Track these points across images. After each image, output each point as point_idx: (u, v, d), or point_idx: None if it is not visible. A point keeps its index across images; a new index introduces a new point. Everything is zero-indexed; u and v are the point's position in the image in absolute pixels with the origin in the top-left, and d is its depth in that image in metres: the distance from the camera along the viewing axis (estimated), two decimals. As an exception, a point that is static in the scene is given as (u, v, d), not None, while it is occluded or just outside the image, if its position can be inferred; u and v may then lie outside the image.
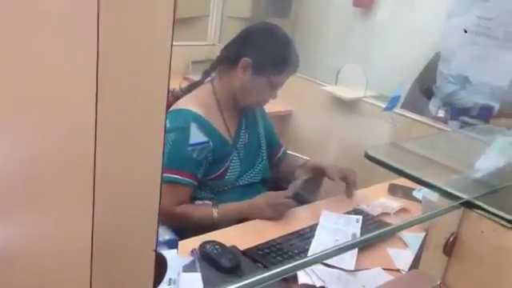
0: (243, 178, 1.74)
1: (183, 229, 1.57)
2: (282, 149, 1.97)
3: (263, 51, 1.61)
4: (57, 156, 0.44)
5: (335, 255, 0.73)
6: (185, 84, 1.81)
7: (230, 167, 1.69)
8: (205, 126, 1.61)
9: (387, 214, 1.74)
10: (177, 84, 2.79)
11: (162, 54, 0.41)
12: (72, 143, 0.42)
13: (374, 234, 0.74)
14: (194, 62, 3.06)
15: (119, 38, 0.39)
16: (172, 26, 0.41)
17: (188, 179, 1.59)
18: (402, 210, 1.78)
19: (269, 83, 1.63)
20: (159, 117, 0.44)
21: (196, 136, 1.61)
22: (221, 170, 1.66)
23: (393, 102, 1.72)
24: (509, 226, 0.85)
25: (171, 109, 1.65)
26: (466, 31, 2.31)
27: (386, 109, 1.75)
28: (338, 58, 2.86)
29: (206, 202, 1.66)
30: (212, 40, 3.32)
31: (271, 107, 2.49)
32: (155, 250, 0.48)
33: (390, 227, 0.81)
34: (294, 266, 0.78)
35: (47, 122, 0.44)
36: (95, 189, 0.42)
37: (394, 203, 1.81)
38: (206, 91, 1.70)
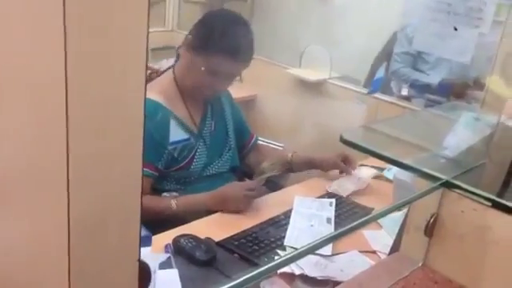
0: (210, 168, 1.69)
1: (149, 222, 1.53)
2: (254, 138, 1.92)
3: (205, 31, 1.54)
4: (26, 156, 0.40)
5: (326, 244, 0.71)
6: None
7: (196, 157, 1.63)
8: (165, 115, 1.55)
9: (360, 190, 1.75)
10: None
11: (137, 41, 0.37)
12: (42, 142, 0.38)
13: (358, 223, 0.72)
14: (152, 49, 2.97)
15: (88, 26, 0.34)
16: (147, 12, 0.36)
17: (146, 169, 1.52)
18: (374, 187, 1.79)
19: (206, 66, 1.53)
20: (137, 109, 0.39)
21: (176, 134, 1.57)
22: (185, 161, 1.61)
23: (375, 85, 1.72)
24: (488, 204, 0.85)
25: None
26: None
27: (370, 92, 1.74)
28: (300, 40, 2.83)
29: (173, 193, 1.60)
30: (170, 26, 3.23)
31: (235, 92, 2.45)
32: (139, 260, 0.44)
33: (371, 215, 0.80)
34: (283, 261, 0.76)
35: (14, 118, 0.39)
36: (69, 193, 0.37)
37: (366, 173, 1.80)
38: (167, 79, 1.64)
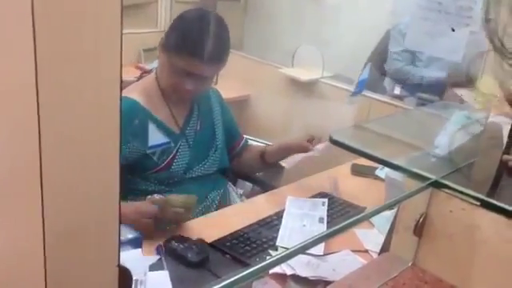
0: (196, 170, 1.64)
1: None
2: (243, 141, 1.87)
3: (174, 30, 1.52)
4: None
5: (313, 246, 0.71)
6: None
7: (177, 158, 1.59)
8: (142, 114, 1.52)
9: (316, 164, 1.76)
10: (128, 73, 2.69)
11: (111, 41, 0.36)
12: (14, 148, 0.37)
13: (348, 222, 0.72)
14: (145, 50, 2.97)
15: (59, 27, 0.33)
16: (120, 12, 0.36)
17: None
18: (367, 189, 1.78)
19: (175, 67, 1.50)
20: (112, 112, 0.39)
21: (155, 137, 1.54)
22: (165, 162, 1.56)
23: (360, 86, 1.71)
24: (477, 203, 0.85)
25: None
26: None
27: (354, 93, 1.73)
28: (292, 40, 2.83)
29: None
30: (162, 26, 3.22)
31: (228, 93, 2.45)
32: (118, 265, 0.44)
33: (361, 214, 0.79)
34: (273, 261, 0.76)
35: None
36: (43, 200, 0.37)
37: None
38: (150, 79, 1.62)
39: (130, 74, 2.67)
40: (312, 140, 1.73)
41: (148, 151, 1.53)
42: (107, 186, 0.40)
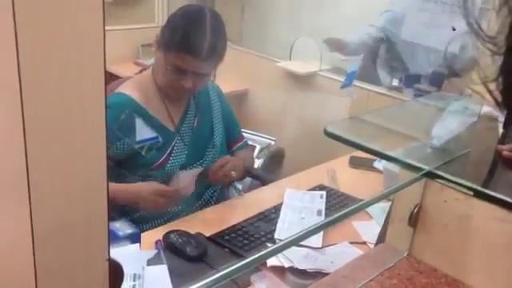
0: (192, 167, 1.61)
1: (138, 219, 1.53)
2: (242, 142, 1.82)
3: (169, 28, 1.50)
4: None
5: (307, 237, 0.72)
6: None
7: (172, 156, 1.57)
8: (137, 111, 1.51)
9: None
10: (127, 69, 2.69)
11: (93, 38, 0.37)
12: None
13: (342, 213, 0.72)
14: (143, 46, 2.96)
15: (40, 27, 0.34)
16: (102, 8, 0.36)
17: None
18: (363, 179, 1.79)
19: (169, 65, 1.48)
20: (98, 105, 0.39)
21: (143, 132, 1.51)
22: (161, 160, 1.55)
23: (349, 78, 1.71)
24: (470, 193, 0.85)
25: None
26: None
27: (344, 86, 1.73)
28: (290, 33, 2.83)
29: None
30: (160, 21, 3.21)
31: (227, 87, 2.45)
32: (109, 259, 0.44)
33: (356, 204, 0.80)
34: (267, 252, 0.76)
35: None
36: (31, 195, 0.37)
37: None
38: (146, 75, 1.60)
39: (128, 70, 2.67)
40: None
41: (136, 146, 1.51)
42: (95, 180, 0.41)
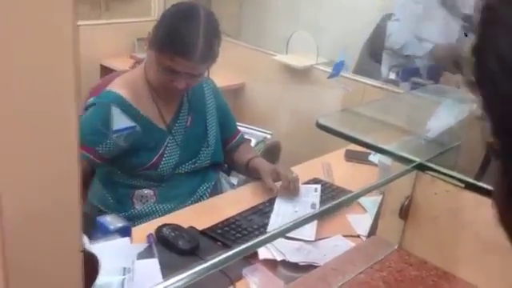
0: (185, 166, 1.59)
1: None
2: (238, 137, 1.78)
3: (161, 28, 1.46)
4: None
5: (296, 228, 0.71)
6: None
7: (165, 156, 1.54)
8: (127, 110, 1.47)
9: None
10: (123, 63, 2.67)
11: (62, 35, 0.36)
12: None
13: (332, 204, 0.72)
14: (139, 40, 2.94)
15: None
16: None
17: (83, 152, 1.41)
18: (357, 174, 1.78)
19: (159, 64, 1.45)
20: (68, 95, 0.38)
21: (119, 121, 1.47)
22: (154, 159, 1.52)
23: (336, 69, 1.69)
24: (461, 185, 0.85)
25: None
26: None
27: (331, 76, 1.71)
28: (287, 27, 2.81)
29: (145, 190, 1.54)
30: (156, 15, 3.19)
31: (223, 81, 2.43)
32: (83, 251, 0.43)
33: (346, 196, 0.80)
34: (254, 243, 0.76)
35: None
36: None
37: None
38: (138, 72, 1.55)
39: (124, 63, 2.66)
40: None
41: (114, 135, 1.46)
42: (66, 171, 0.40)
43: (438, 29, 2.27)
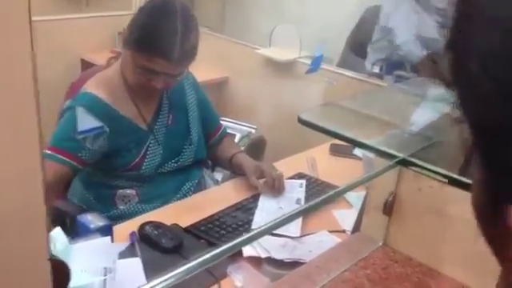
0: (168, 166, 1.56)
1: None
2: (220, 130, 1.75)
3: (136, 26, 1.40)
4: None
5: (282, 225, 0.70)
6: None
7: (147, 157, 1.50)
8: (105, 111, 1.43)
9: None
10: (104, 58, 2.62)
11: (17, 31, 0.33)
12: None
13: (318, 201, 0.70)
14: (120, 34, 2.90)
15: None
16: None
17: (61, 156, 1.38)
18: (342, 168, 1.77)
19: (132, 59, 1.40)
20: (28, 93, 0.36)
21: (85, 121, 1.41)
22: (136, 160, 1.49)
23: (315, 64, 1.67)
24: (444, 180, 0.84)
25: None
26: None
27: (309, 71, 1.69)
28: (270, 20, 2.79)
29: (127, 190, 1.51)
30: (137, 9, 3.15)
31: (207, 75, 2.41)
32: (50, 259, 0.41)
33: (332, 191, 0.78)
34: (239, 242, 0.75)
35: None
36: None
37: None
38: (114, 71, 1.50)
39: (105, 58, 2.56)
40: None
41: (78, 137, 1.40)
42: (28, 175, 0.38)
43: (432, 23, 2.25)
